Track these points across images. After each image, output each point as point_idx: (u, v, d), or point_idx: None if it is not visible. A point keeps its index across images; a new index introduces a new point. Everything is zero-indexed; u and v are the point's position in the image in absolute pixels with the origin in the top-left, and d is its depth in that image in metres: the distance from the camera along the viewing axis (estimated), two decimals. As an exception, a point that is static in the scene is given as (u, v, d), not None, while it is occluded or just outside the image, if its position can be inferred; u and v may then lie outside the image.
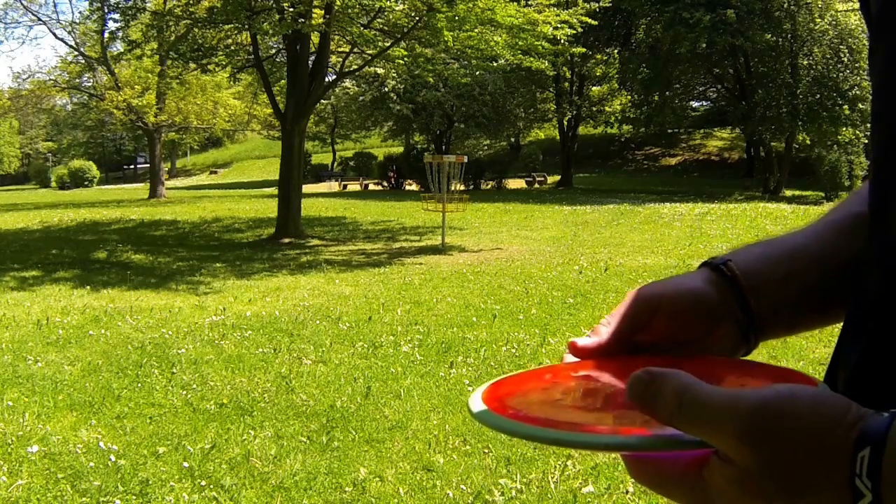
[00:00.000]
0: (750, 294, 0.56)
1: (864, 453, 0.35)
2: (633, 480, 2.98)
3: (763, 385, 0.40)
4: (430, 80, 13.93)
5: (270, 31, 11.84)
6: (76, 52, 29.94)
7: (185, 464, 3.20)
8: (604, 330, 0.56)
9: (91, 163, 46.94)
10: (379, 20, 11.91)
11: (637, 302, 0.56)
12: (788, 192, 24.18)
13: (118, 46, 19.03)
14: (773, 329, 0.57)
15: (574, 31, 11.99)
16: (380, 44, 11.97)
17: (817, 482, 0.36)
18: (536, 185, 30.56)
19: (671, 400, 0.40)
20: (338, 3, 11.03)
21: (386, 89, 27.83)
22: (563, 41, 12.29)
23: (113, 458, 3.26)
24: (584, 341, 0.55)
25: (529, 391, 0.51)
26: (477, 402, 0.48)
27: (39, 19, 33.04)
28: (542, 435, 0.43)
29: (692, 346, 0.56)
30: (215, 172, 53.36)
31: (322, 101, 24.05)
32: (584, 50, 17.33)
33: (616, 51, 30.44)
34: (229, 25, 12.60)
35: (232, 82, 28.16)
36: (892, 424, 0.36)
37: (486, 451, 3.33)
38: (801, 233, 0.61)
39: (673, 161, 37.71)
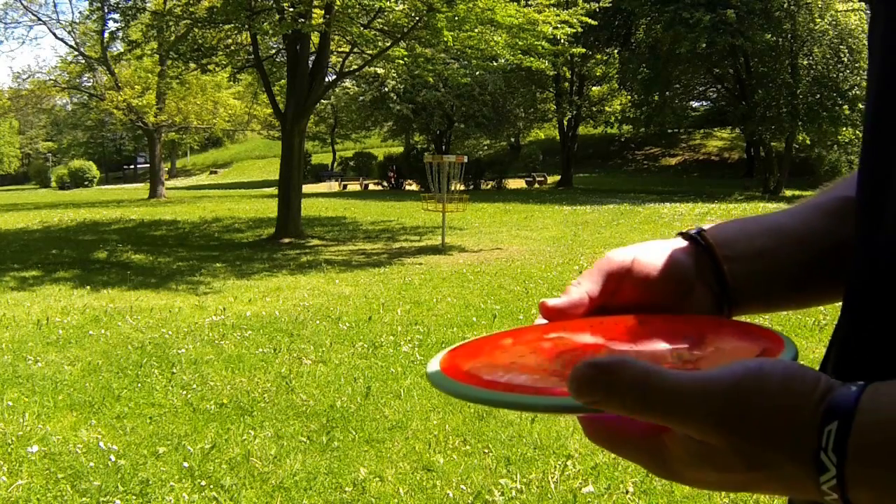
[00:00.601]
0: (724, 263, 0.56)
1: (831, 427, 0.35)
2: (633, 482, 2.99)
3: (729, 348, 0.39)
4: (430, 80, 13.94)
5: (270, 31, 11.84)
6: (76, 52, 29.96)
7: (185, 464, 3.20)
8: (574, 290, 0.55)
9: (91, 163, 46.99)
10: (379, 20, 11.90)
11: (609, 263, 0.56)
12: (788, 192, 24.18)
13: (118, 46, 19.06)
14: (748, 302, 0.57)
15: (574, 31, 11.99)
16: (380, 44, 11.97)
17: (782, 457, 0.36)
18: (536, 185, 30.57)
19: (632, 392, 0.37)
20: (338, 3, 11.03)
21: (386, 89, 27.84)
22: (563, 41, 12.29)
23: (113, 458, 3.26)
24: (553, 301, 0.54)
25: (489, 355, 0.51)
26: (434, 366, 0.47)
27: (39, 19, 33.14)
28: (491, 398, 0.42)
29: (664, 313, 0.55)
30: (215, 172, 53.38)
31: (322, 101, 24.05)
32: (583, 50, 17.35)
33: (616, 51, 30.47)
34: (229, 25, 12.60)
35: (232, 82, 28.16)
36: (861, 398, 0.35)
37: (486, 451, 3.33)
38: (785, 212, 0.61)
39: (673, 161, 37.72)
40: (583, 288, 0.55)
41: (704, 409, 0.37)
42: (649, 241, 0.58)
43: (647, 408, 0.37)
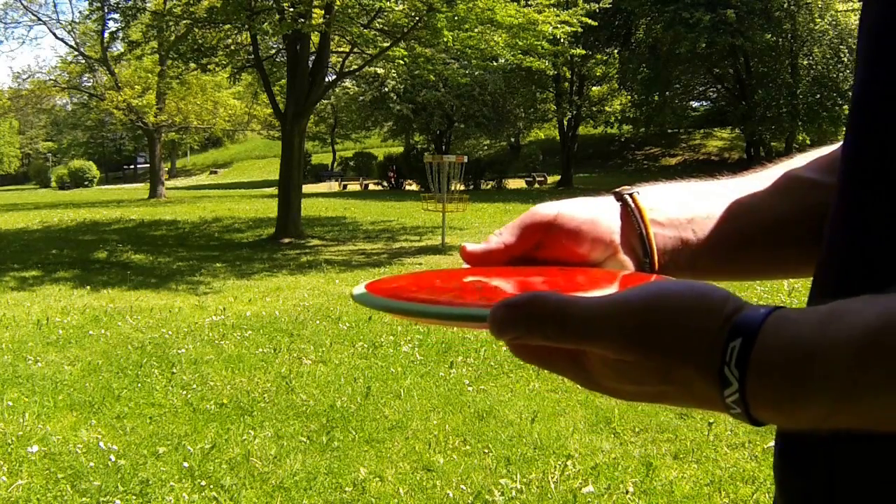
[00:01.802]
0: (651, 227, 0.56)
1: (735, 344, 0.36)
2: (633, 482, 2.98)
3: (640, 285, 0.41)
4: (432, 78, 13.94)
5: (270, 31, 11.83)
6: (76, 53, 29.97)
7: (185, 464, 3.20)
8: (494, 239, 0.55)
9: (91, 163, 47.04)
10: (379, 20, 11.90)
11: (532, 216, 0.56)
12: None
13: (118, 46, 19.07)
14: (673, 268, 0.57)
15: (574, 31, 11.98)
16: (380, 44, 11.96)
17: (691, 372, 0.38)
18: (536, 185, 30.55)
19: (550, 323, 0.39)
20: (338, 3, 11.03)
21: (386, 89, 27.83)
22: (563, 41, 12.29)
23: (113, 458, 3.26)
24: (472, 246, 0.55)
25: (411, 285, 0.53)
26: (360, 289, 0.50)
27: (39, 19, 33.12)
28: (408, 308, 0.45)
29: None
30: (215, 172, 53.38)
31: (322, 101, 24.04)
32: (584, 51, 17.35)
33: (616, 51, 30.47)
34: (229, 25, 12.60)
35: (232, 82, 28.16)
36: (768, 319, 0.37)
37: (486, 451, 3.33)
38: (731, 181, 0.61)
39: (673, 161, 37.68)
40: (502, 238, 0.55)
41: (617, 331, 0.38)
42: (579, 198, 0.58)
43: (567, 335, 0.39)
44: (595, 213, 0.56)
